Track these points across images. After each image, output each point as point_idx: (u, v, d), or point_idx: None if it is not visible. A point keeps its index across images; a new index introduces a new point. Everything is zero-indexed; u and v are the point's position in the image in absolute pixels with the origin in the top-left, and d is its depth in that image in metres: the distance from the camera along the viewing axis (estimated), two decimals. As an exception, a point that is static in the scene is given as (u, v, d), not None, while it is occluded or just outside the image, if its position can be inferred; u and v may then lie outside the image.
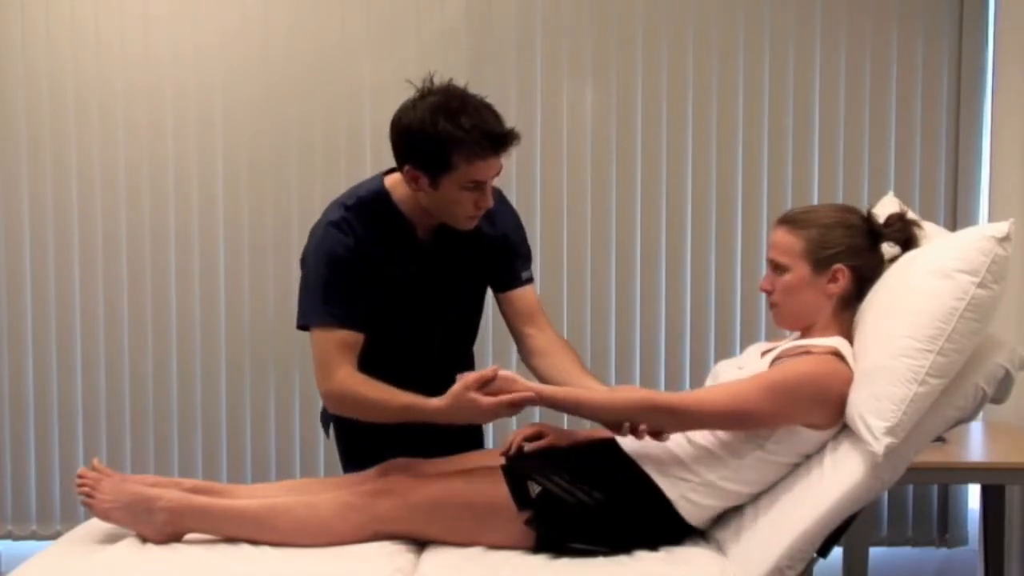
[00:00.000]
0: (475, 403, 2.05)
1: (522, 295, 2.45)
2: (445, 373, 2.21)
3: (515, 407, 2.08)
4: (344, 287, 2.25)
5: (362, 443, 2.45)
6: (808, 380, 2.04)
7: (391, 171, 2.36)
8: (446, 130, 2.13)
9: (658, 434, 2.06)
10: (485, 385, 2.07)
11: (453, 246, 2.35)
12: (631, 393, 2.17)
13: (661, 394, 2.11)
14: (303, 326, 2.29)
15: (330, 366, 2.23)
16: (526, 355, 2.45)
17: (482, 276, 2.48)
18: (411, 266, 2.33)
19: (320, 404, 2.54)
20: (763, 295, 2.28)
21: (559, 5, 3.46)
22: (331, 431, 2.61)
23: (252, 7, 3.47)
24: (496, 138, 2.15)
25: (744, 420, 2.06)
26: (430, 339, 2.42)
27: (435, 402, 2.11)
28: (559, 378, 2.31)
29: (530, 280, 2.47)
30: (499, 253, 2.42)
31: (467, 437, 2.45)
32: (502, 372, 2.08)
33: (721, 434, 2.12)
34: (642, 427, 2.04)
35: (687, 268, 3.51)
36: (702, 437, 2.15)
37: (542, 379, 2.35)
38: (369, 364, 2.26)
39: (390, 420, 2.22)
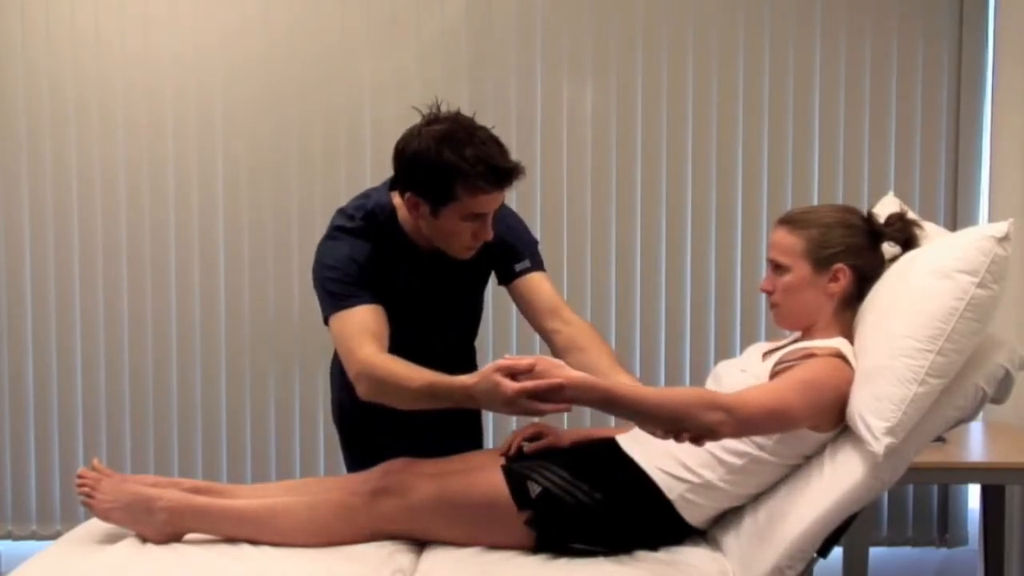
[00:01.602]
0: (498, 386, 1.88)
1: (531, 287, 2.39)
2: (448, 372, 2.20)
3: (541, 401, 1.87)
4: (359, 277, 2.24)
5: (364, 441, 2.45)
6: (830, 383, 2.04)
7: (393, 188, 2.35)
8: (450, 160, 2.11)
9: (698, 439, 1.92)
10: (516, 376, 1.90)
11: (454, 259, 2.33)
12: (685, 391, 2.07)
13: (717, 392, 2.04)
14: (327, 319, 2.26)
15: (353, 346, 2.16)
16: (557, 354, 2.31)
17: (485, 277, 2.48)
18: (414, 279, 2.34)
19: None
20: (763, 295, 2.28)
21: (559, 5, 3.46)
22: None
23: (252, 7, 3.47)
24: (500, 172, 2.13)
25: (785, 419, 1.99)
26: (432, 344, 2.41)
27: (463, 378, 1.99)
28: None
29: (530, 270, 2.39)
30: (497, 257, 2.41)
31: (467, 437, 2.45)
32: (547, 359, 1.94)
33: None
34: (685, 434, 1.89)
35: (687, 268, 3.51)
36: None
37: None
38: None
39: (416, 402, 2.08)
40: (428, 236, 2.27)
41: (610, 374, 2.19)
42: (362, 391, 2.15)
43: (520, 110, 3.46)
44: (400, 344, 2.29)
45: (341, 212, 2.36)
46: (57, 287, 3.53)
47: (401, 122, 3.61)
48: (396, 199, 2.32)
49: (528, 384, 1.87)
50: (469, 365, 2.56)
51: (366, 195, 2.39)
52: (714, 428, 1.90)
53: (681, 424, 1.89)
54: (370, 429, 2.38)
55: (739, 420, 1.92)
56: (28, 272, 3.53)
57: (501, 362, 1.92)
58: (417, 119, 2.20)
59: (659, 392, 1.99)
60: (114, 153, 3.50)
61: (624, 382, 2.12)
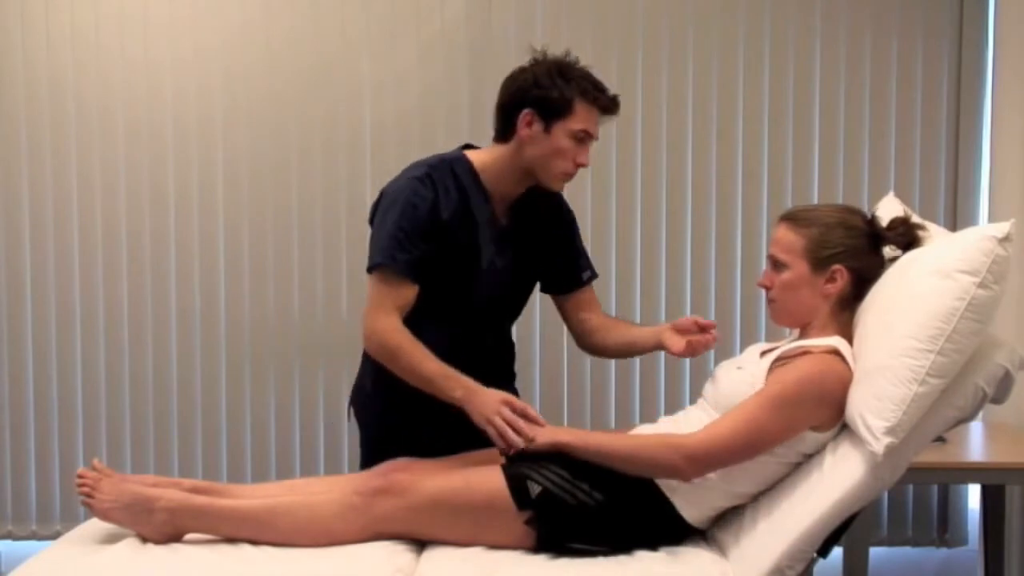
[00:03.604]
0: (500, 394, 2.20)
1: (586, 294, 2.59)
2: (482, 346, 2.43)
3: (520, 417, 2.18)
4: (415, 238, 2.32)
5: (381, 425, 2.49)
6: (809, 383, 2.05)
7: (465, 149, 2.48)
8: (573, 77, 2.32)
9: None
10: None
11: (526, 231, 2.47)
12: (648, 438, 2.15)
13: (679, 437, 2.10)
14: (371, 268, 2.35)
15: (381, 310, 2.31)
16: (583, 335, 2.58)
17: (544, 272, 2.57)
18: (483, 234, 2.40)
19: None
20: (763, 296, 2.29)
21: (559, 5, 3.46)
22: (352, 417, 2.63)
23: (252, 9, 3.47)
24: (611, 98, 2.35)
25: (762, 443, 2.05)
26: (478, 310, 2.47)
27: (468, 382, 2.23)
28: (619, 336, 2.53)
29: (591, 278, 2.60)
30: (564, 246, 2.56)
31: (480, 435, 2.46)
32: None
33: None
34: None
35: (687, 268, 3.51)
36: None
37: (598, 348, 2.57)
38: (413, 319, 2.33)
39: (417, 380, 2.28)
40: (528, 164, 2.36)
41: (628, 329, 2.55)
42: (371, 350, 2.36)
43: (520, 110, 3.45)
44: (446, 299, 2.38)
45: (415, 164, 2.44)
46: (57, 288, 3.53)
47: (401, 122, 3.62)
48: (475, 156, 2.43)
49: (519, 402, 2.19)
50: (506, 342, 2.63)
51: (439, 156, 2.47)
52: (680, 475, 2.08)
53: (636, 467, 2.09)
54: (388, 414, 2.44)
55: (703, 466, 2.07)
56: (28, 273, 3.53)
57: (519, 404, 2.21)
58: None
59: (618, 442, 2.16)
60: (114, 154, 3.50)
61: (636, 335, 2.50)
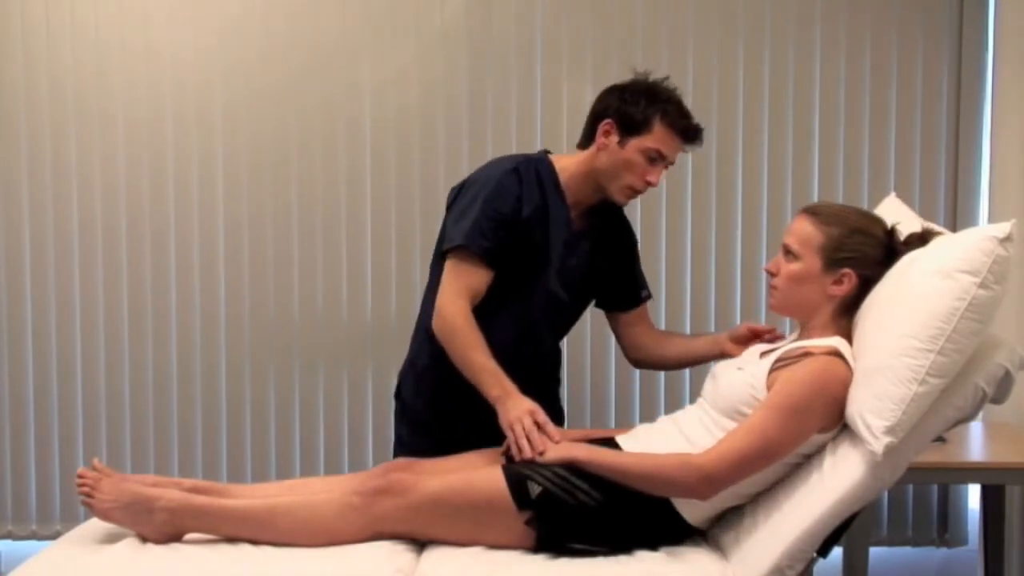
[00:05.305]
0: (531, 404, 2.24)
1: (641, 311, 2.67)
2: (540, 348, 2.55)
3: (539, 429, 2.21)
4: (499, 227, 2.38)
5: (427, 420, 2.56)
6: (813, 388, 2.05)
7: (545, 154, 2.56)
8: (660, 100, 2.38)
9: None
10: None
11: (595, 241, 2.54)
12: (662, 458, 2.13)
13: (694, 457, 2.09)
14: (447, 250, 2.40)
15: (455, 291, 2.38)
16: (634, 348, 2.67)
17: (604, 287, 2.63)
18: (555, 240, 2.46)
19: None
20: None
21: (559, 5, 3.46)
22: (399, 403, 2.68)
23: (252, 7, 3.47)
24: (692, 128, 2.41)
25: (776, 453, 2.06)
26: (541, 309, 2.51)
27: (508, 384, 2.28)
28: (679, 348, 2.63)
29: (649, 297, 2.69)
30: (626, 265, 2.64)
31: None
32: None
33: (720, 432, 2.12)
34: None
35: (687, 269, 3.50)
36: (702, 436, 2.16)
37: (653, 360, 2.67)
38: (484, 312, 2.38)
39: (465, 367, 2.34)
40: (599, 172, 2.43)
41: (681, 339, 2.68)
42: (435, 326, 2.41)
43: (520, 110, 3.45)
44: (508, 301, 2.43)
45: (501, 159, 2.52)
46: (57, 286, 3.53)
47: (401, 120, 3.61)
48: (557, 159, 2.50)
49: (542, 415, 2.22)
50: (557, 350, 2.71)
51: (523, 155, 2.55)
52: (695, 493, 2.08)
53: (652, 487, 2.09)
54: (440, 392, 2.50)
55: (720, 483, 2.06)
56: (28, 272, 3.53)
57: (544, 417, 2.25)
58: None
59: (632, 459, 2.14)
60: (114, 152, 3.49)
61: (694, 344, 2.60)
